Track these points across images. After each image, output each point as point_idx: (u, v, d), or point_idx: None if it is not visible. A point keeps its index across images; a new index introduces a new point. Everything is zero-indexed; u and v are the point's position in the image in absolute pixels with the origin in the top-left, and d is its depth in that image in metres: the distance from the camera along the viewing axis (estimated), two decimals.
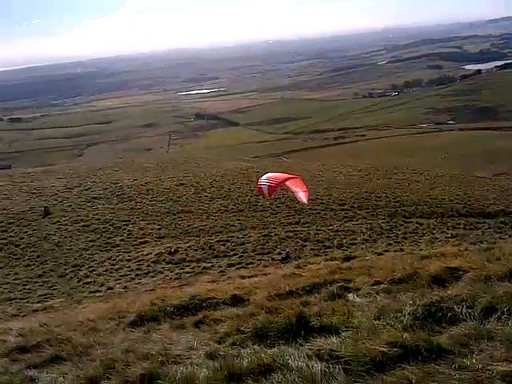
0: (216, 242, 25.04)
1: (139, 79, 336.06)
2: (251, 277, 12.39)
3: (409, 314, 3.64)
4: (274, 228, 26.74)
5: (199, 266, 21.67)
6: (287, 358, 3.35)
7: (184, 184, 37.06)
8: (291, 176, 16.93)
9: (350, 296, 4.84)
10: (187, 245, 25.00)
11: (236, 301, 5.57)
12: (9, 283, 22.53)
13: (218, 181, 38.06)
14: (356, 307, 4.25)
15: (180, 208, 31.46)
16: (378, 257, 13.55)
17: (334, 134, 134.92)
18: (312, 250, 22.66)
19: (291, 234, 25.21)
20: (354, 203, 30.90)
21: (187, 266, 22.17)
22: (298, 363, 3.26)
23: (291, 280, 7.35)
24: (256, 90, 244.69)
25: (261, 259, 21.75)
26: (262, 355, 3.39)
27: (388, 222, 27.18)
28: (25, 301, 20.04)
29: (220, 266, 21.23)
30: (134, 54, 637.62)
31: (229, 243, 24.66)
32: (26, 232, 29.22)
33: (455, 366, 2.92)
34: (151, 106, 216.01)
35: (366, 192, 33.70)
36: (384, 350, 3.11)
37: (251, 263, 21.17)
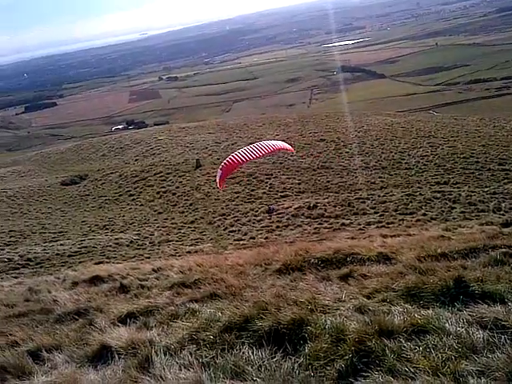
0: (355, 199, 24.57)
1: (284, 33, 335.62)
2: (394, 236, 11.89)
3: None
4: (420, 188, 25.13)
5: (337, 222, 21.61)
6: (443, 321, 3.16)
7: (325, 140, 36.78)
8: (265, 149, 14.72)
9: None
10: (326, 201, 25.05)
11: (382, 258, 5.38)
12: (166, 227, 25.43)
13: (360, 136, 36.85)
14: None
15: (320, 164, 31.47)
16: None
17: (497, 84, 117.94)
18: (462, 212, 20.79)
19: (438, 195, 23.40)
20: None
21: (325, 221, 22.30)
22: (456, 328, 3.05)
23: (439, 242, 6.84)
24: (406, 38, 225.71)
25: (403, 219, 20.77)
26: (416, 315, 3.25)
27: None
28: (180, 243, 22.44)
29: (359, 224, 20.85)
30: (279, 8, 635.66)
31: (369, 201, 24.01)
32: (181, 182, 32.41)
33: None
34: (295, 61, 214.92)
35: None
36: None
37: (392, 223, 20.35)
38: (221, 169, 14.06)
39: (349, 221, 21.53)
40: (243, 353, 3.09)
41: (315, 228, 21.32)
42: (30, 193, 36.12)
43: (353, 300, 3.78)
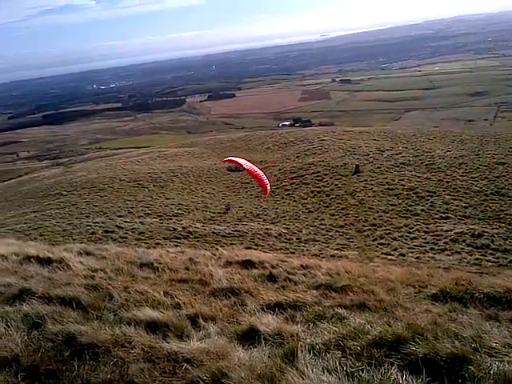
0: None
1: (476, 42, 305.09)
2: None
3: None
4: None
5: (505, 258, 19.13)
6: None
7: (506, 163, 32.68)
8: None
9: None
10: (495, 231, 22.37)
11: None
12: (315, 226, 25.68)
13: None
14: None
15: (495, 189, 28.12)
16: None
17: None
18: None
19: None
20: None
21: (491, 254, 19.96)
22: None
23: None
24: None
25: None
26: None
27: None
28: (325, 245, 22.47)
29: None
30: (473, 15, 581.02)
31: None
32: (337, 185, 32.31)
33: None
34: (484, 72, 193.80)
35: None
36: None
37: None
38: (228, 159, 21.96)
39: None
40: (391, 374, 2.90)
41: (476, 259, 19.24)
42: (200, 173, 40.11)
43: None
